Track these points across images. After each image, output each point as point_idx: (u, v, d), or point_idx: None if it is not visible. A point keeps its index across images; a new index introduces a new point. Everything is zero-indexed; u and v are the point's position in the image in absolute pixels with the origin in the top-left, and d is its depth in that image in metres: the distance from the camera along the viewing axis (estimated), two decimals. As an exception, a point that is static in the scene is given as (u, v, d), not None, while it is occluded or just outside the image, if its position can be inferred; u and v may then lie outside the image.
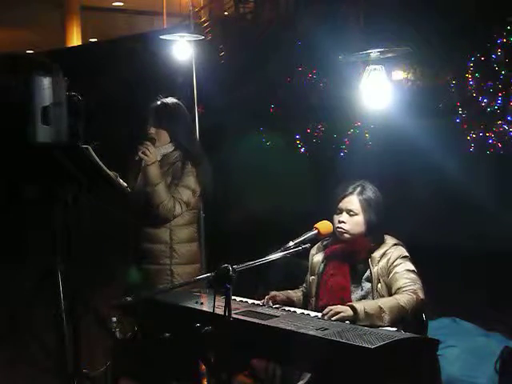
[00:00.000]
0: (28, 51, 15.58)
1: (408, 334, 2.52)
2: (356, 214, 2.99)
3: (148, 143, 3.62)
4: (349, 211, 3.00)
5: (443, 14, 6.78)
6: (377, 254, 2.96)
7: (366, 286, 2.94)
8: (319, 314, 2.70)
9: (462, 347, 3.83)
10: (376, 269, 2.93)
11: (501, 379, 3.63)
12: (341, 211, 3.01)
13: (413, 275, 2.87)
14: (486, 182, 6.18)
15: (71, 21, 16.80)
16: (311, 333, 2.37)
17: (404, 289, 2.82)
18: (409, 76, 7.46)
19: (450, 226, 6.12)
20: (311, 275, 3.14)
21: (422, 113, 6.80)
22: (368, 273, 2.95)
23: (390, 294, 2.88)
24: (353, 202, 3.00)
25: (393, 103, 3.54)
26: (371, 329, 2.53)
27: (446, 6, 6.79)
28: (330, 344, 2.29)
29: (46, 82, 3.22)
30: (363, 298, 2.92)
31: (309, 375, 2.76)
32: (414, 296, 2.77)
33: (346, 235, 2.99)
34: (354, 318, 2.64)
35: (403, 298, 2.75)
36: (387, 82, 3.44)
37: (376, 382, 2.26)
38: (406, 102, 6.31)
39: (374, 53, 3.32)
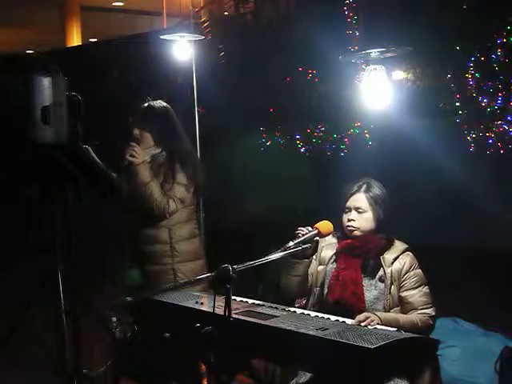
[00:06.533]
0: (28, 51, 15.58)
1: (408, 334, 2.52)
2: (365, 211, 3.02)
3: (134, 144, 3.63)
4: (357, 209, 3.02)
5: (443, 13, 6.78)
6: (390, 256, 2.99)
7: (380, 286, 2.95)
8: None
9: (462, 347, 3.83)
10: (390, 270, 2.95)
11: (501, 379, 3.62)
12: (349, 209, 3.04)
13: (428, 296, 2.98)
14: (486, 182, 6.17)
15: (71, 21, 16.79)
16: (311, 333, 2.37)
17: (422, 311, 2.94)
18: (409, 76, 7.46)
19: (449, 226, 6.11)
20: (319, 265, 3.13)
21: (422, 113, 6.80)
22: (381, 272, 2.97)
23: (400, 298, 2.95)
24: (360, 199, 3.03)
25: (393, 103, 3.54)
26: (371, 329, 2.53)
27: (445, 6, 6.79)
28: (330, 344, 2.29)
29: (46, 81, 3.22)
30: (376, 298, 2.94)
31: (305, 373, 2.77)
32: (431, 322, 2.93)
33: (356, 232, 3.01)
34: None
35: (421, 323, 2.89)
36: (387, 81, 3.43)
37: (376, 381, 2.26)
38: (405, 102, 6.29)
39: (374, 53, 3.33)
